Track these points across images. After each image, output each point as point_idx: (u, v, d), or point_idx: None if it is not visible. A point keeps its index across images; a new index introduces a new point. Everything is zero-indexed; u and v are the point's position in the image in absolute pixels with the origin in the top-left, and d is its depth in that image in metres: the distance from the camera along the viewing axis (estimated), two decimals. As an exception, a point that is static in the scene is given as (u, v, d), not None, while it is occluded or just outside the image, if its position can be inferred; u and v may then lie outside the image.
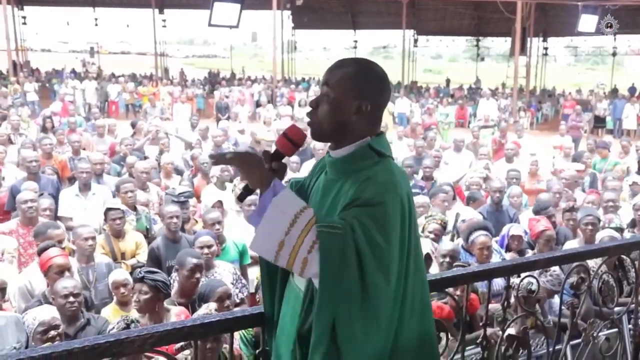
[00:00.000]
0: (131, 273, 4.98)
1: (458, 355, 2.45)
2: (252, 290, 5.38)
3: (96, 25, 37.22)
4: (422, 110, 19.93)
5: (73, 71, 34.02)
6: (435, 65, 68.37)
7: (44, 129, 11.41)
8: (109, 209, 5.72)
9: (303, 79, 33.17)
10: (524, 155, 9.90)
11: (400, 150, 11.07)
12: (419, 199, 6.99)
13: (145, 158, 8.84)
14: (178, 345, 3.25)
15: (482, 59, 41.63)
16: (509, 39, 24.64)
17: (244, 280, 5.22)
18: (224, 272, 4.92)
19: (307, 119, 1.99)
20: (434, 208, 6.38)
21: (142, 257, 5.63)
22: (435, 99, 24.95)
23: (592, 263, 3.66)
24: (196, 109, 21.05)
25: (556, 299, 4.55)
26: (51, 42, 73.28)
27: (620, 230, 5.82)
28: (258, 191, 2.02)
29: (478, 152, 10.25)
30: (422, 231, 5.49)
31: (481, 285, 4.32)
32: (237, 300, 4.83)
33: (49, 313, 3.73)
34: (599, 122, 22.34)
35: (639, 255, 3.19)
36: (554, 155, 11.09)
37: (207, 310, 3.71)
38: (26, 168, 7.14)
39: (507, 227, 5.89)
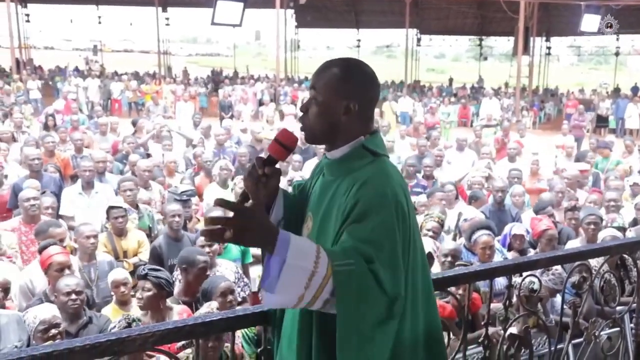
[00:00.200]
0: (133, 272, 5.01)
1: (460, 355, 2.44)
2: (254, 289, 5.40)
3: (99, 23, 37.29)
4: (425, 110, 19.92)
5: (76, 69, 34.04)
6: (438, 64, 68.34)
7: (46, 127, 11.45)
8: (111, 207, 5.73)
9: (306, 78, 33.12)
10: (527, 154, 9.89)
11: (403, 149, 11.08)
12: (420, 199, 7.01)
13: (149, 156, 8.85)
14: (179, 344, 3.25)
15: (485, 59, 41.58)
16: (511, 39, 24.55)
17: (246, 279, 5.21)
18: (225, 271, 4.92)
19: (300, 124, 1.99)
20: (432, 207, 6.38)
21: (144, 255, 5.64)
22: (438, 98, 24.95)
23: (594, 262, 3.64)
24: (199, 108, 21.05)
25: (558, 298, 4.54)
26: (54, 40, 73.46)
27: (622, 229, 5.82)
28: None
29: (480, 152, 10.26)
30: (420, 229, 5.48)
31: (483, 285, 4.32)
32: (240, 299, 4.83)
33: (50, 311, 3.73)
34: (602, 121, 22.30)
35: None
36: (557, 154, 11.09)
37: (209, 309, 3.71)
38: (29, 166, 7.14)
39: (509, 226, 5.89)
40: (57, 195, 6.66)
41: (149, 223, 6.29)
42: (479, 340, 2.63)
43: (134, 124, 11.57)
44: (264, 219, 1.68)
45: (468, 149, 10.57)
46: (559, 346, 3.18)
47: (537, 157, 9.24)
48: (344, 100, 1.89)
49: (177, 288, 4.60)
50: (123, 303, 4.45)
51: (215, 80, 31.59)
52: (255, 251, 5.62)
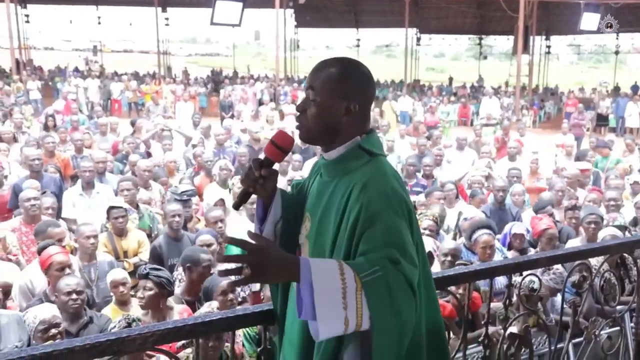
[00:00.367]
0: (134, 272, 5.01)
1: (460, 354, 2.44)
2: (255, 288, 5.38)
3: (99, 23, 37.30)
4: (425, 109, 19.92)
5: (76, 69, 34.06)
6: (438, 63, 68.30)
7: (46, 127, 11.44)
8: (111, 207, 5.73)
9: (306, 77, 33.13)
10: (527, 153, 9.89)
11: (403, 149, 11.09)
12: (420, 198, 7.01)
13: (149, 155, 8.85)
14: (180, 343, 3.25)
15: (485, 58, 41.53)
16: (511, 38, 24.57)
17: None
18: (226, 271, 4.91)
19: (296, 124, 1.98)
20: (431, 206, 6.38)
21: (145, 255, 5.64)
22: (438, 98, 24.95)
23: (594, 261, 3.65)
24: (199, 108, 21.06)
25: (558, 298, 4.54)
26: (54, 41, 73.35)
27: (624, 228, 5.81)
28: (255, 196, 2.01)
29: (480, 151, 10.26)
30: (417, 228, 5.49)
31: (483, 284, 4.32)
32: (240, 299, 4.83)
33: (50, 311, 3.73)
34: (602, 120, 22.31)
35: (641, 253, 3.19)
36: (557, 153, 11.08)
37: (209, 308, 3.72)
38: (29, 166, 7.14)
39: (509, 225, 5.89)
40: (58, 196, 6.66)
41: (149, 223, 6.29)
42: (479, 340, 2.63)
43: (133, 124, 11.57)
44: (277, 251, 1.68)
45: (468, 148, 10.58)
46: (559, 345, 3.18)
47: (537, 156, 9.24)
48: (345, 101, 1.87)
49: (181, 287, 4.60)
50: (122, 303, 4.45)
51: (215, 80, 31.59)
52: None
